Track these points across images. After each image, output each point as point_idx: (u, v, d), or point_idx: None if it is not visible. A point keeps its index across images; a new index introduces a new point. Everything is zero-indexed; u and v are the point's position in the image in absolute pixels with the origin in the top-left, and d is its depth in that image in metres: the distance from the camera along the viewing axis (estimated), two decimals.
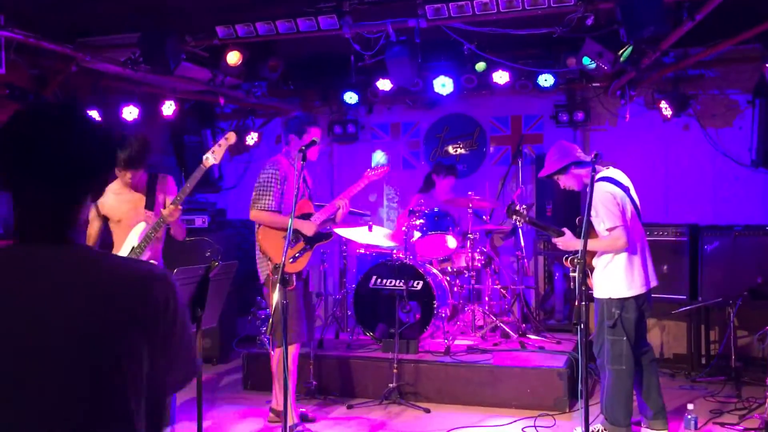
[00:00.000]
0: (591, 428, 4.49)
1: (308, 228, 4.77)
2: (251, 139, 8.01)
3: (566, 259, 4.48)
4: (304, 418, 4.93)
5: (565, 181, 4.60)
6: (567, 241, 4.52)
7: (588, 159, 4.45)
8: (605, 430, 4.56)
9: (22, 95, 5.89)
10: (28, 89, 6.00)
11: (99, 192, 1.49)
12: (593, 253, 4.53)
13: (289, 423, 4.58)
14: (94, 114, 6.09)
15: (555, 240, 4.60)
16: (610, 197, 4.33)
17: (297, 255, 4.75)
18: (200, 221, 7.21)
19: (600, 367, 4.60)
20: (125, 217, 4.40)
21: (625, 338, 4.38)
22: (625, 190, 4.46)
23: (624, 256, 4.38)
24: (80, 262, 1.40)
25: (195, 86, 6.86)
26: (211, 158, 4.29)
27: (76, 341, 1.32)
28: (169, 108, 7.23)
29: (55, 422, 1.30)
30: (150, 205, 4.40)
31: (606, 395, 4.52)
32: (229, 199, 8.41)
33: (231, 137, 4.36)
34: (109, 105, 6.64)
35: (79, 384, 1.32)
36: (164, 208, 4.30)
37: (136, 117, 6.73)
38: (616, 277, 4.39)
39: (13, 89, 5.82)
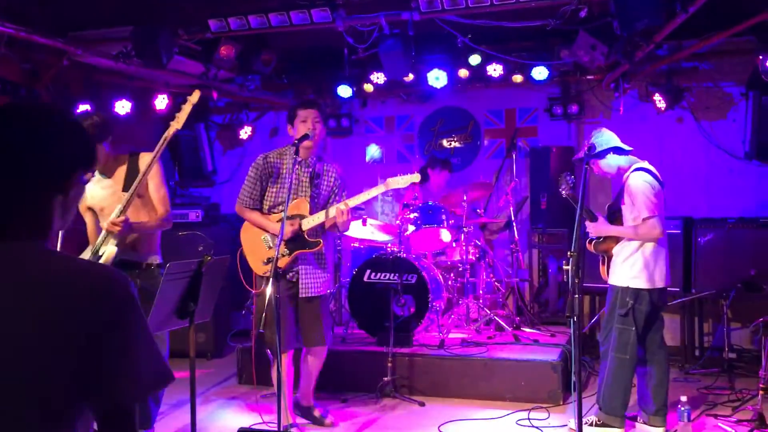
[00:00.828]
0: (584, 420, 4.51)
1: (287, 231, 4.30)
2: (245, 132, 7.99)
3: (590, 242, 4.60)
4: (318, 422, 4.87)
5: (602, 167, 4.59)
6: (599, 227, 4.54)
7: (629, 149, 4.54)
8: (599, 420, 4.57)
9: (13, 90, 5.86)
10: (20, 83, 5.97)
11: (67, 191, 1.45)
12: (615, 240, 4.54)
13: (284, 422, 4.60)
14: (86, 108, 6.05)
15: (588, 224, 4.58)
16: (649, 186, 4.36)
17: (270, 258, 4.40)
18: (194, 215, 7.19)
19: (603, 354, 4.60)
20: (106, 204, 4.13)
21: (634, 329, 4.40)
22: (661, 182, 4.48)
23: (651, 247, 4.40)
24: (34, 262, 1.37)
25: (188, 80, 6.83)
26: (174, 126, 4.05)
27: (16, 344, 1.29)
28: (161, 102, 7.19)
29: None
30: (128, 186, 4.07)
31: (605, 383, 4.52)
32: (222, 193, 8.38)
33: (194, 97, 4.08)
34: (101, 99, 6.61)
35: (20, 390, 1.29)
36: (147, 188, 4.08)
37: (129, 111, 6.70)
38: (636, 267, 4.40)
39: (4, 84, 5.80)
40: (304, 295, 4.50)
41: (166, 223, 4.22)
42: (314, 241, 4.46)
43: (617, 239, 4.54)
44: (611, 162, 4.55)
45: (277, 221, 4.40)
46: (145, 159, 4.15)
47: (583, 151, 4.53)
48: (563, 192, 4.66)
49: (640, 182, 4.37)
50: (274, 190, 4.53)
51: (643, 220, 4.34)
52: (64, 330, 1.32)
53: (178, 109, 4.07)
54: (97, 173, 4.21)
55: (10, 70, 5.88)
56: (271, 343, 4.40)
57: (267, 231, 4.50)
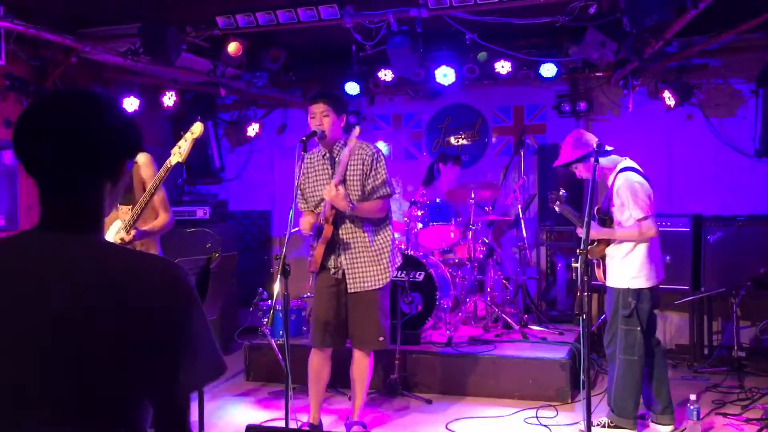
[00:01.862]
0: (596, 421, 4.50)
1: (303, 224, 4.41)
2: (252, 130, 7.99)
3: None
4: None
5: (583, 171, 4.53)
6: (591, 231, 4.45)
7: (609, 149, 4.48)
8: (611, 422, 4.54)
9: (22, 86, 5.87)
10: (29, 80, 5.98)
11: (117, 179, 1.45)
12: (606, 243, 4.51)
13: (310, 420, 4.60)
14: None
15: (579, 230, 4.48)
16: (639, 187, 4.32)
17: (310, 254, 4.41)
18: (201, 212, 7.20)
19: (610, 357, 4.58)
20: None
21: (639, 328, 4.38)
22: (648, 180, 4.45)
23: (645, 246, 4.38)
24: (91, 253, 1.36)
25: (196, 77, 6.84)
26: (176, 157, 3.73)
27: (67, 332, 1.28)
28: (169, 99, 7.20)
29: (24, 412, 1.28)
30: (125, 197, 3.95)
31: (615, 386, 4.50)
32: (230, 190, 8.39)
33: (196, 130, 3.73)
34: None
35: (60, 378, 1.28)
36: (144, 192, 3.92)
37: (137, 108, 6.71)
38: (635, 267, 4.38)
39: (13, 80, 5.81)
40: (352, 290, 4.36)
41: (170, 224, 4.19)
42: (317, 228, 4.30)
43: (608, 241, 4.51)
44: (603, 163, 4.44)
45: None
46: (139, 159, 4.08)
47: (564, 159, 4.51)
48: (556, 208, 4.53)
49: (629, 183, 4.32)
50: (306, 189, 4.48)
51: (638, 221, 4.30)
52: (136, 327, 1.31)
53: (181, 137, 3.82)
54: None
55: (18, 66, 5.90)
56: (316, 340, 4.44)
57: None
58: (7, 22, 4.98)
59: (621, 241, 4.44)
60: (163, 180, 3.81)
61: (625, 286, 4.40)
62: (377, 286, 4.38)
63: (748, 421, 4.74)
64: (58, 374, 1.27)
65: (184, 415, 1.42)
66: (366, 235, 4.36)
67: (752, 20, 5.22)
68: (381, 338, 4.42)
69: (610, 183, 4.48)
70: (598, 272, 4.59)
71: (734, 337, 5.87)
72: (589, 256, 4.49)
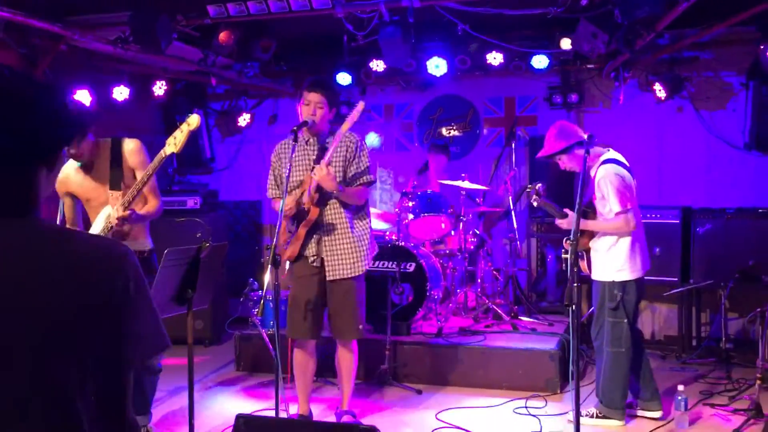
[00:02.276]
0: (584, 412, 4.53)
1: (287, 206, 4.20)
2: (243, 120, 7.96)
3: (567, 240, 4.45)
4: None
5: (567, 162, 4.53)
6: (571, 222, 4.45)
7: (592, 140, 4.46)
8: (599, 412, 4.58)
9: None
10: (17, 68, 5.93)
11: (53, 165, 1.45)
12: (589, 235, 4.52)
13: (300, 411, 4.59)
14: (85, 93, 6.02)
15: (558, 221, 4.54)
16: (620, 180, 4.32)
17: (288, 240, 4.37)
18: (192, 202, 7.17)
19: (597, 349, 4.62)
20: (92, 197, 4.02)
21: (625, 320, 4.41)
22: (630, 171, 4.45)
23: (628, 238, 4.39)
24: (37, 235, 1.38)
25: (186, 66, 6.79)
26: (170, 147, 3.69)
27: (22, 315, 1.30)
28: (160, 88, 7.16)
29: None
30: (115, 183, 3.93)
31: (603, 377, 4.54)
32: (221, 180, 8.37)
33: (193, 122, 3.70)
34: (99, 85, 6.57)
35: (18, 361, 1.29)
36: (135, 179, 3.92)
37: (127, 97, 6.66)
38: (620, 259, 4.39)
39: (1, 68, 5.75)
40: (331, 278, 4.31)
41: (159, 211, 4.15)
42: (306, 210, 4.25)
43: (592, 234, 4.50)
44: (576, 155, 4.45)
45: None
46: (128, 146, 4.05)
47: (547, 150, 4.49)
48: (535, 203, 4.53)
49: (610, 175, 4.31)
50: (285, 174, 4.40)
51: (616, 214, 4.30)
52: (81, 302, 1.33)
53: (177, 128, 3.77)
54: (74, 162, 4.07)
55: (7, 54, 5.84)
56: (292, 330, 4.41)
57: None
58: None
59: (604, 234, 4.44)
60: (156, 169, 3.79)
61: (610, 279, 4.42)
62: (355, 274, 4.35)
63: (735, 411, 4.79)
64: (7, 351, 1.29)
65: (124, 396, 1.43)
66: (347, 221, 4.33)
67: (743, 13, 5.23)
68: (360, 326, 4.42)
69: (592, 175, 4.47)
70: (583, 264, 4.57)
71: (722, 329, 5.91)
72: (568, 247, 4.50)
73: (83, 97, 6.15)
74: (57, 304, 1.31)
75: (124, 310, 1.39)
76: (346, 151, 4.34)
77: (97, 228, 3.92)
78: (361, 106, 4.24)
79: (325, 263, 4.32)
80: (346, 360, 4.51)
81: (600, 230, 4.45)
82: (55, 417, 1.32)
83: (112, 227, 3.83)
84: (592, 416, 4.58)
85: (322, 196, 4.27)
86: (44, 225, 1.42)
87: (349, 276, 4.33)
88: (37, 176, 1.42)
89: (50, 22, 5.42)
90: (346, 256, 4.32)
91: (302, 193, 4.25)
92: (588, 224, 4.43)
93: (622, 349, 4.43)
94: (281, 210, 4.00)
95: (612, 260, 4.41)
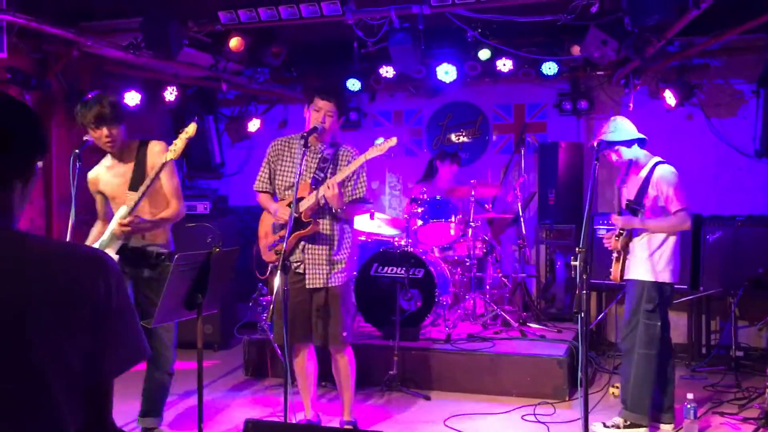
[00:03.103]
0: (609, 423, 4.51)
1: (281, 212, 4.27)
2: (253, 125, 7.99)
3: (617, 236, 4.34)
4: None
5: (623, 156, 4.45)
6: (631, 220, 4.36)
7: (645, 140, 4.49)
8: (626, 421, 4.48)
9: (24, 80, 5.87)
10: (30, 73, 5.99)
11: (27, 179, 1.45)
12: (630, 235, 4.37)
13: (307, 416, 4.60)
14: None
15: (616, 218, 4.40)
16: (679, 179, 4.32)
17: (274, 243, 4.34)
18: (201, 207, 7.21)
19: (626, 352, 4.52)
20: (117, 194, 4.11)
21: (659, 323, 4.39)
22: None
23: (674, 240, 4.38)
24: (10, 243, 1.38)
25: (197, 72, 6.84)
26: (170, 153, 3.93)
27: (14, 325, 1.30)
28: (171, 94, 7.21)
29: None
30: (135, 183, 4.03)
31: (633, 382, 4.44)
32: (230, 185, 8.40)
33: (190, 130, 3.91)
34: (110, 90, 6.62)
35: (19, 372, 1.30)
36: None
37: (138, 102, 6.71)
38: (664, 260, 4.36)
39: (15, 73, 5.81)
40: (310, 286, 4.31)
41: (178, 216, 4.22)
42: (306, 221, 4.24)
43: (630, 236, 4.41)
44: (637, 153, 4.45)
45: (287, 205, 4.27)
46: (153, 148, 4.14)
47: (600, 137, 4.37)
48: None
49: (669, 174, 4.33)
50: (279, 174, 4.42)
51: (676, 212, 4.29)
52: (62, 310, 1.34)
53: (176, 136, 3.99)
54: (110, 157, 4.22)
55: (20, 60, 5.90)
56: (277, 336, 4.39)
57: (270, 213, 4.40)
58: (9, 15, 4.99)
59: (652, 234, 4.37)
60: (158, 174, 3.94)
61: (652, 279, 4.36)
62: (336, 283, 4.33)
63: (745, 420, 4.76)
64: None
65: (106, 407, 1.44)
66: (332, 232, 4.33)
67: (753, 21, 5.23)
68: (344, 334, 4.37)
69: (643, 175, 4.41)
70: (617, 267, 4.38)
71: (732, 337, 5.88)
72: (612, 247, 4.40)
73: (131, 99, 6.29)
74: (35, 303, 1.32)
75: (106, 315, 1.39)
76: (347, 165, 4.33)
77: (109, 229, 4.03)
78: (393, 141, 4.16)
79: (306, 271, 4.30)
80: (340, 368, 4.49)
81: (658, 229, 4.36)
82: (39, 422, 1.32)
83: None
84: (618, 427, 4.49)
85: (319, 209, 4.29)
86: (24, 233, 1.43)
87: (331, 285, 4.31)
88: (12, 191, 1.42)
89: (63, 28, 5.48)
90: (326, 265, 4.31)
91: (298, 202, 4.22)
92: (647, 223, 4.35)
93: (653, 352, 4.39)
94: (291, 219, 3.98)
95: (656, 261, 4.35)
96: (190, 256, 3.45)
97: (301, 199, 4.27)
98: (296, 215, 4.15)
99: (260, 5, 5.43)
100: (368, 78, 7.33)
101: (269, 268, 4.49)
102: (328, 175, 4.28)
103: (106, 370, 1.42)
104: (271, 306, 4.06)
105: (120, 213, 3.98)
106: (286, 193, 4.38)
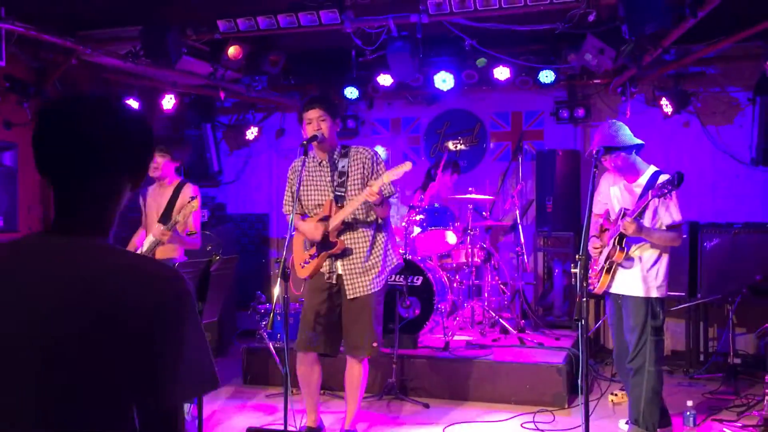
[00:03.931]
0: None
1: (311, 232, 4.35)
2: (251, 133, 8.00)
3: (621, 250, 4.23)
4: None
5: (622, 161, 4.29)
6: (635, 228, 4.12)
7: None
8: None
9: (22, 88, 5.88)
10: (29, 82, 5.99)
11: (137, 180, 1.46)
12: (623, 249, 4.26)
13: (309, 423, 4.60)
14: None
15: (627, 224, 4.13)
16: (678, 191, 4.11)
17: (306, 261, 4.42)
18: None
19: (636, 370, 4.33)
20: (150, 215, 4.64)
21: (663, 338, 4.36)
22: None
23: (668, 254, 4.31)
24: (92, 258, 1.35)
25: (195, 80, 6.85)
26: (188, 208, 4.50)
27: (54, 335, 1.27)
28: (169, 102, 7.21)
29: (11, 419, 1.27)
30: (165, 217, 4.44)
31: (645, 400, 4.32)
32: (228, 193, 8.41)
33: (195, 204, 4.56)
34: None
35: (49, 380, 1.27)
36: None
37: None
38: (661, 275, 4.29)
39: (13, 82, 5.82)
40: (350, 297, 4.34)
41: (193, 248, 4.84)
42: (333, 242, 4.32)
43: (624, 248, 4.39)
44: (636, 160, 4.35)
45: (318, 221, 4.36)
46: (187, 191, 4.72)
47: (611, 142, 4.23)
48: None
49: None
50: (304, 194, 4.43)
51: (674, 226, 4.20)
52: (119, 327, 1.29)
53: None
54: (157, 183, 4.87)
55: (19, 68, 5.91)
56: (300, 343, 4.46)
57: (303, 233, 4.44)
58: (8, 23, 5.00)
59: (649, 248, 4.27)
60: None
61: (655, 295, 4.27)
62: (373, 290, 4.37)
63: (744, 427, 4.77)
64: (48, 375, 1.27)
65: (173, 427, 1.37)
66: (366, 240, 4.38)
67: (750, 29, 5.26)
68: (375, 344, 4.39)
69: (643, 182, 4.29)
70: (606, 278, 4.31)
71: (730, 344, 5.89)
72: (615, 258, 4.28)
73: None
74: (106, 324, 1.28)
75: (177, 340, 1.33)
76: (363, 167, 4.37)
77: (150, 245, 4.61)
78: (408, 166, 4.14)
79: (344, 281, 4.36)
80: (354, 377, 4.49)
81: (660, 242, 4.23)
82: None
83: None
84: None
85: (346, 225, 4.35)
86: (109, 246, 1.40)
87: (366, 293, 4.36)
88: (122, 193, 1.43)
89: (62, 36, 5.49)
90: (362, 273, 4.36)
91: (324, 220, 4.33)
92: (653, 234, 4.19)
93: (662, 368, 4.36)
94: (291, 225, 4.05)
95: (653, 276, 4.27)
96: (190, 264, 3.46)
97: (327, 218, 4.33)
98: (322, 235, 4.33)
99: (259, 14, 5.44)
100: (366, 86, 7.34)
101: (303, 285, 4.55)
102: (350, 187, 4.34)
103: (171, 395, 1.33)
104: (301, 315, 4.35)
105: (148, 241, 4.59)
106: (315, 211, 4.43)
